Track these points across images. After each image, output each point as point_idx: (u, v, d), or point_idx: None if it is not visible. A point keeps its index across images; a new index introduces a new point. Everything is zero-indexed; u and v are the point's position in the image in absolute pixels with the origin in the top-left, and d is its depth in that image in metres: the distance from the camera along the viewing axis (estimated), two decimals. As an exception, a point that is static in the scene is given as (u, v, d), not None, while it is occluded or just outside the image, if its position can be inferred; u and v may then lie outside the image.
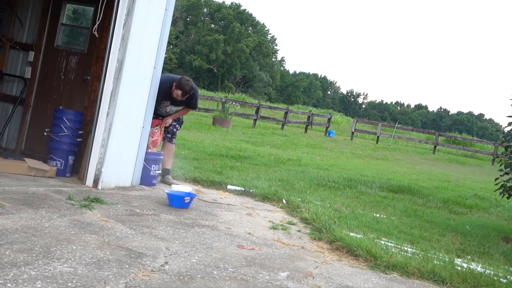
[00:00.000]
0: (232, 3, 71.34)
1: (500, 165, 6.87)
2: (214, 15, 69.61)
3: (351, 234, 4.88)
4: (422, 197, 8.58)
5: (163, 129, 6.57)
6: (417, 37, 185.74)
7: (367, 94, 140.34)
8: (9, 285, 2.71)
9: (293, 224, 5.38)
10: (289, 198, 6.41)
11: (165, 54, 6.29)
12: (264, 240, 4.59)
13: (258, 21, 71.79)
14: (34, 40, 7.15)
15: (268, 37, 72.62)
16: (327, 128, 26.72)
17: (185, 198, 5.34)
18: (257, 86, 68.39)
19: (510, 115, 6.68)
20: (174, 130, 6.74)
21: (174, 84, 6.32)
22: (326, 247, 4.65)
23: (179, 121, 6.80)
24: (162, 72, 6.31)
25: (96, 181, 5.60)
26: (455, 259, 4.54)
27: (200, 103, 25.32)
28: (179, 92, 6.30)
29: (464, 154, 26.32)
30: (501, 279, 4.12)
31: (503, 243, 5.98)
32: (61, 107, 6.51)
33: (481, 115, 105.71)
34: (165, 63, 6.48)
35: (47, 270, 3.00)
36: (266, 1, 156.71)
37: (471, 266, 4.36)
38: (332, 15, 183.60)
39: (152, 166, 6.20)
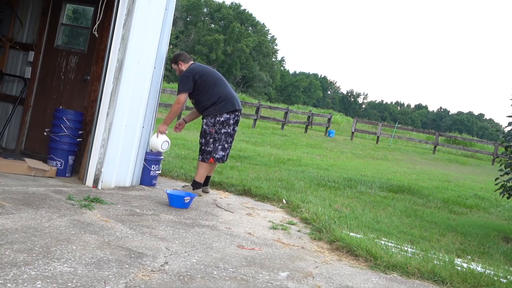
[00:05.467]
0: (232, 3, 71.34)
1: (500, 165, 6.87)
2: (214, 15, 69.58)
3: (351, 234, 4.88)
4: (422, 197, 8.58)
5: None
6: (417, 37, 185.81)
7: (367, 94, 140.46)
8: (9, 285, 2.71)
9: (293, 224, 5.38)
10: (289, 198, 6.41)
11: (166, 54, 6.29)
12: (264, 240, 4.59)
13: (258, 21, 71.78)
14: (34, 40, 7.15)
15: (268, 37, 72.60)
16: (327, 128, 26.72)
17: (185, 198, 5.35)
18: (257, 86, 68.38)
19: (510, 115, 6.68)
20: (201, 146, 6.10)
21: None
22: (326, 247, 4.65)
23: (203, 134, 6.05)
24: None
25: (96, 181, 5.60)
26: (455, 259, 4.54)
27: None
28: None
29: (464, 154, 26.30)
30: (501, 279, 4.12)
31: (503, 243, 5.98)
32: (61, 107, 6.51)
33: (481, 115, 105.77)
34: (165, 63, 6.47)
35: (47, 270, 3.00)
36: (266, 1, 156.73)
37: (471, 266, 4.36)
38: (332, 16, 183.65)
39: (152, 166, 6.20)
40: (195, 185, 6.11)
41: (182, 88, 6.00)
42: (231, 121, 6.06)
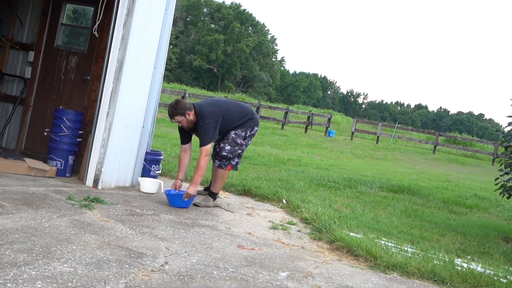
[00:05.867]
0: (232, 3, 71.34)
1: (500, 165, 6.87)
2: (214, 15, 69.58)
3: (351, 234, 4.88)
4: (422, 197, 8.58)
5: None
6: (417, 37, 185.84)
7: (367, 94, 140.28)
8: (9, 285, 2.71)
9: (293, 224, 5.38)
10: (289, 198, 6.41)
11: (166, 54, 6.28)
12: (264, 240, 4.59)
13: (258, 21, 71.76)
14: (34, 40, 7.15)
15: (268, 37, 72.60)
16: (327, 128, 26.71)
17: (184, 197, 5.33)
18: (257, 86, 68.37)
19: (510, 115, 6.68)
20: (217, 149, 5.63)
21: None
22: (326, 247, 4.65)
23: (224, 138, 5.65)
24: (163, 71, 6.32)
25: (96, 181, 5.60)
26: (455, 259, 4.54)
27: (200, 103, 25.41)
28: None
29: (464, 154, 26.30)
30: (501, 279, 4.12)
31: (503, 243, 5.98)
32: (61, 107, 6.51)
33: (481, 115, 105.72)
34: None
35: (47, 270, 3.00)
36: (266, 1, 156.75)
37: (471, 266, 4.36)
38: (332, 15, 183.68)
39: (152, 166, 6.20)
40: (214, 196, 5.70)
41: (209, 139, 5.41)
42: (255, 133, 5.87)
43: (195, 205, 5.54)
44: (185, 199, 5.34)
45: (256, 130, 5.87)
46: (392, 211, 6.86)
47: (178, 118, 5.40)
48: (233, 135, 5.60)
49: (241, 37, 66.11)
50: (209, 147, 5.43)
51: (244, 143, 5.71)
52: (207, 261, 3.70)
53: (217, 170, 5.65)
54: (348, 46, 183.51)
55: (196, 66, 62.56)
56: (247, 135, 5.71)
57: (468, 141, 28.61)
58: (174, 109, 5.37)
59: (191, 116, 5.42)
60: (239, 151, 5.69)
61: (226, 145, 5.58)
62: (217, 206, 5.65)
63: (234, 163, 5.75)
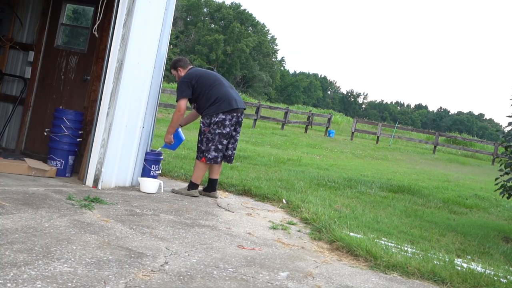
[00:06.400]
0: (232, 3, 71.34)
1: (500, 165, 6.87)
2: (214, 15, 69.58)
3: (351, 234, 4.88)
4: (422, 197, 8.58)
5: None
6: (417, 37, 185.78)
7: (367, 94, 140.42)
8: (9, 285, 2.71)
9: (293, 224, 5.38)
10: (289, 198, 6.41)
11: (166, 54, 6.28)
12: (264, 240, 4.59)
13: (258, 21, 71.76)
14: (34, 40, 7.15)
15: (268, 37, 72.59)
16: (327, 128, 26.72)
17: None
18: (257, 86, 68.37)
19: (510, 115, 6.68)
20: (197, 144, 6.04)
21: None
22: (326, 247, 4.65)
23: (199, 132, 6.02)
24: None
25: (96, 181, 5.60)
26: (455, 259, 4.54)
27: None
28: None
29: (464, 154, 26.31)
30: (501, 279, 4.12)
31: (503, 243, 5.98)
32: (61, 107, 6.51)
33: (481, 115, 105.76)
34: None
35: (47, 270, 3.00)
36: (266, 1, 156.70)
37: (471, 266, 4.36)
38: (332, 16, 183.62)
39: (152, 166, 6.20)
40: (191, 186, 6.03)
41: (180, 95, 5.92)
42: (227, 122, 5.86)
43: (172, 191, 6.04)
44: (168, 144, 6.26)
45: (224, 119, 5.87)
46: (392, 211, 6.86)
47: (173, 71, 6.19)
48: (200, 125, 6.00)
49: (241, 37, 66.11)
50: (181, 104, 5.94)
51: (208, 130, 5.88)
52: (207, 261, 3.70)
53: (195, 162, 6.13)
54: (348, 46, 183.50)
55: (196, 66, 62.47)
56: (212, 122, 5.87)
57: (468, 141, 28.63)
58: (172, 63, 6.19)
59: (182, 73, 6.10)
60: (204, 139, 5.91)
61: (198, 137, 6.01)
62: (190, 195, 5.97)
63: (210, 156, 5.90)
